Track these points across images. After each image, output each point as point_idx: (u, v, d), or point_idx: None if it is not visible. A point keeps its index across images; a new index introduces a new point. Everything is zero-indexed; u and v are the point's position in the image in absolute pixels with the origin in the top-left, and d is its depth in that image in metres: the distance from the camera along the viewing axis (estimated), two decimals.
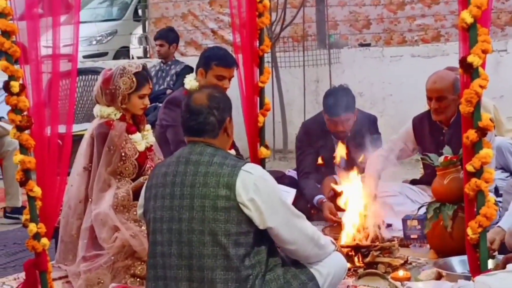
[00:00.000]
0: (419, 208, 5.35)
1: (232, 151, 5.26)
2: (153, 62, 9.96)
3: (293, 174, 6.50)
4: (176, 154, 3.95)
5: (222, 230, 3.68)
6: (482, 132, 3.66)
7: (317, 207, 6.05)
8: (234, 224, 3.69)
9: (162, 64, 9.28)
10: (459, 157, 5.07)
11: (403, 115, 8.42)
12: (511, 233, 4.78)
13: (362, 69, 9.01)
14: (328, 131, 6.25)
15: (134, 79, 5.13)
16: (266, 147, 6.41)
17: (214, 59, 5.84)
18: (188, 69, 9.11)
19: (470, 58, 3.61)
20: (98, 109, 5.21)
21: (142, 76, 5.19)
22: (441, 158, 5.17)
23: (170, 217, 3.79)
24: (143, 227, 4.77)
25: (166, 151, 5.71)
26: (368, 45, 9.65)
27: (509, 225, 4.68)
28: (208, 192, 3.72)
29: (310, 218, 5.63)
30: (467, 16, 3.60)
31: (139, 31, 15.38)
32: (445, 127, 5.81)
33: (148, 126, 5.38)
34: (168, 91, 8.88)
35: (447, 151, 5.24)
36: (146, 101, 5.23)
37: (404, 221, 5.47)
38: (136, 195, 4.98)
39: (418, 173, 6.87)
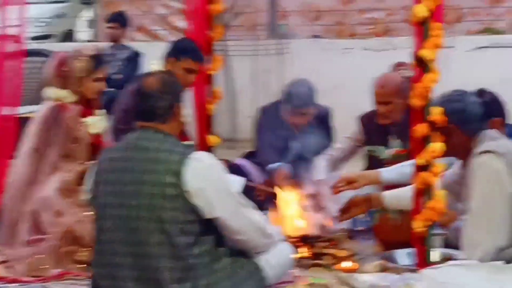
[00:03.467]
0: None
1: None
2: (100, 46, 9.82)
3: (242, 163, 6.47)
4: (125, 140, 3.91)
5: (169, 218, 3.66)
6: (433, 125, 3.68)
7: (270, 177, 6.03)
8: (181, 212, 3.67)
9: (110, 48, 9.16)
10: (407, 151, 5.10)
11: (352, 108, 8.42)
12: (455, 229, 4.84)
13: (312, 60, 9.01)
14: (283, 121, 6.23)
15: (89, 61, 5.07)
16: (215, 135, 6.40)
17: (188, 52, 5.70)
18: (135, 55, 9.06)
19: (422, 53, 3.62)
20: (51, 92, 5.12)
21: (98, 59, 5.14)
22: (391, 151, 5.19)
23: (117, 203, 3.76)
24: (88, 213, 4.70)
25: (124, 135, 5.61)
26: (319, 36, 9.67)
27: (390, 177, 4.77)
28: (156, 179, 3.69)
29: (259, 206, 5.65)
30: (421, 10, 3.61)
31: (86, 14, 15.23)
32: (392, 126, 5.80)
33: (102, 111, 5.31)
34: (116, 76, 8.78)
35: (395, 144, 5.27)
36: (101, 84, 5.17)
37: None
38: (82, 179, 4.93)
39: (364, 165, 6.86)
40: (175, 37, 10.56)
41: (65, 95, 5.07)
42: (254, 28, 9.51)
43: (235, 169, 6.19)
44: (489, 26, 9.00)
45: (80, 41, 14.92)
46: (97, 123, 5.18)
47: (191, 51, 5.73)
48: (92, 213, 4.03)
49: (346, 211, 4.85)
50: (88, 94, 5.13)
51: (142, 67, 9.06)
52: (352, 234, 5.41)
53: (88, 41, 13.96)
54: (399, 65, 6.77)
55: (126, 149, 3.83)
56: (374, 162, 5.64)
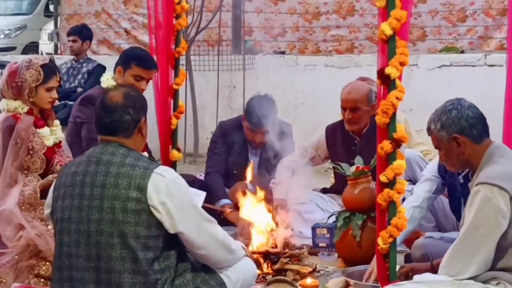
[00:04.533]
0: (329, 217, 5.38)
1: (145, 153, 5.17)
2: (64, 59, 9.77)
3: (202, 178, 6.45)
4: (87, 153, 3.86)
5: (131, 233, 3.62)
6: (397, 143, 3.70)
7: (220, 209, 5.99)
8: (144, 227, 3.63)
9: (73, 62, 9.11)
10: (371, 167, 5.13)
11: (315, 123, 8.50)
12: (416, 246, 4.85)
13: (276, 76, 9.03)
14: (244, 136, 6.23)
15: (40, 71, 5.02)
16: (178, 149, 6.36)
17: (135, 59, 5.75)
18: (100, 68, 8.99)
19: (388, 70, 3.64)
20: (4, 103, 5.07)
21: (49, 69, 5.08)
22: (353, 168, 5.22)
23: (78, 218, 3.71)
24: (49, 226, 4.66)
25: (78, 149, 5.58)
26: (283, 53, 9.69)
27: (401, 239, 4.74)
28: (118, 193, 3.65)
29: (220, 222, 5.63)
30: (386, 28, 3.63)
31: (49, 26, 15.08)
32: (357, 137, 5.86)
33: (57, 122, 5.25)
34: (79, 89, 8.73)
35: (358, 161, 5.29)
36: (54, 94, 5.11)
37: (313, 229, 5.48)
38: (43, 193, 4.87)
39: (328, 182, 6.91)
40: None
41: (18, 105, 5.01)
42: (218, 43, 9.51)
43: (198, 184, 6.18)
44: (450, 45, 9.08)
45: (43, 53, 14.81)
46: (53, 134, 5.13)
47: (139, 58, 5.78)
48: (52, 227, 3.99)
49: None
50: (41, 104, 5.08)
51: None
52: (314, 250, 5.42)
53: (51, 53, 13.86)
54: (361, 80, 6.82)
55: (88, 163, 3.78)
56: (340, 177, 5.67)
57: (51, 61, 5.15)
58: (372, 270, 4.35)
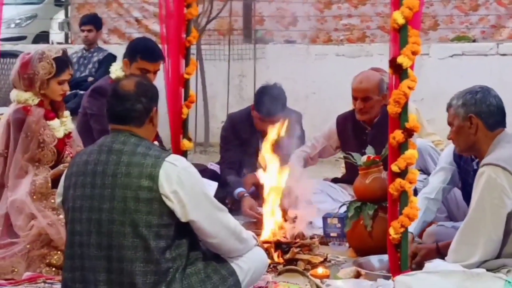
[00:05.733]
0: (340, 207, 5.37)
1: (156, 143, 5.18)
2: (75, 48, 9.77)
3: (215, 167, 6.45)
4: (98, 143, 3.87)
5: (143, 222, 3.62)
6: (409, 133, 3.69)
7: (237, 200, 6.02)
8: (155, 216, 3.64)
9: (84, 51, 9.12)
10: (382, 157, 5.12)
11: (325, 113, 8.48)
12: (427, 234, 4.85)
13: (287, 65, 9.01)
14: (254, 126, 6.22)
15: (53, 64, 5.01)
16: (189, 139, 6.36)
17: (140, 52, 5.76)
18: (110, 57, 9.00)
19: (400, 59, 3.62)
20: (15, 94, 5.07)
21: (62, 61, 5.07)
22: (364, 158, 5.20)
23: (90, 207, 3.71)
24: (61, 216, 4.67)
25: (88, 139, 5.58)
26: (294, 42, 9.67)
27: (418, 231, 4.75)
28: (130, 182, 3.65)
29: (230, 211, 5.64)
30: (399, 17, 3.61)
31: (60, 16, 15.10)
32: (368, 127, 5.85)
33: (67, 113, 5.25)
34: (90, 79, 8.74)
35: (369, 151, 5.27)
36: (66, 87, 5.11)
37: (324, 219, 5.47)
38: (54, 182, 4.89)
39: (339, 171, 6.90)
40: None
41: (29, 97, 5.01)
42: (229, 33, 9.49)
43: (209, 173, 6.18)
44: (463, 34, 9.04)
45: (54, 43, 14.82)
46: (62, 126, 5.13)
47: (144, 51, 5.79)
48: (63, 216, 4.00)
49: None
50: (53, 97, 5.08)
51: None
52: (324, 240, 5.41)
53: (61, 43, 13.86)
54: (373, 70, 6.79)
55: (99, 152, 3.78)
56: (351, 167, 5.66)
57: (64, 53, 5.14)
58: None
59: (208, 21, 9.05)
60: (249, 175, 6.17)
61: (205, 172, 6.12)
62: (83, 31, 9.07)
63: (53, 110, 5.13)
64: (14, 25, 14.94)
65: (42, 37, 15.63)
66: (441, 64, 8.54)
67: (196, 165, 6.23)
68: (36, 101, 5.03)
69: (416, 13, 3.62)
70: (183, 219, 3.67)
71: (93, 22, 9.07)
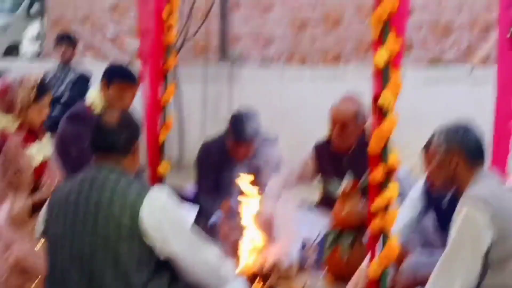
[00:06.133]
0: (318, 236, 5.40)
1: None
2: (49, 64, 9.72)
3: (192, 189, 6.47)
4: (81, 174, 3.90)
5: (124, 257, 3.66)
6: (389, 172, 3.72)
7: (212, 227, 6.02)
8: (137, 252, 3.68)
9: (58, 70, 9.06)
10: (360, 186, 5.17)
11: (301, 136, 8.50)
12: (407, 266, 4.90)
13: (263, 87, 9.05)
14: (228, 153, 6.24)
15: (33, 89, 5.01)
16: (166, 163, 6.38)
17: (118, 74, 5.82)
18: (84, 77, 8.99)
19: (382, 99, 3.66)
20: None
21: (42, 87, 5.08)
22: (342, 186, 5.23)
23: (71, 239, 3.75)
24: (39, 245, 4.65)
25: (65, 164, 5.60)
26: (270, 64, 9.70)
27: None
28: (111, 218, 3.69)
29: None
30: (381, 58, 3.65)
31: (33, 28, 15.04)
32: (346, 154, 5.88)
33: (46, 136, 5.25)
34: (64, 97, 8.70)
35: (348, 179, 5.31)
36: (45, 112, 5.10)
37: (302, 246, 5.50)
38: (33, 210, 4.88)
39: (315, 192, 6.89)
40: (125, 57, 10.56)
41: (8, 122, 5.00)
42: (205, 52, 9.53)
43: (186, 198, 6.20)
44: (437, 57, 9.11)
45: (25, 55, 14.76)
46: (41, 151, 5.12)
47: (122, 73, 5.83)
48: (43, 246, 4.00)
49: None
50: (32, 122, 5.08)
51: (89, 88, 8.98)
52: (302, 267, 5.43)
53: (34, 55, 13.82)
54: (348, 96, 6.82)
55: (82, 184, 3.81)
56: (328, 196, 5.70)
57: (44, 79, 5.15)
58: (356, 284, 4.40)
59: (184, 41, 9.07)
60: (225, 202, 6.19)
61: (182, 195, 6.13)
62: (58, 49, 9.02)
63: (32, 134, 5.11)
64: None
65: (14, 49, 15.57)
66: (415, 88, 8.62)
67: (174, 188, 6.32)
68: (16, 125, 5.02)
69: (398, 53, 3.66)
70: (163, 255, 3.71)
71: (68, 40, 9.04)
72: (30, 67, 10.56)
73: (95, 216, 3.69)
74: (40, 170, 5.06)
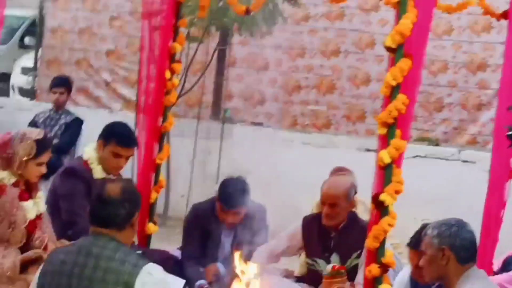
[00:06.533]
0: None
1: None
2: (42, 106, 9.76)
3: (178, 254, 6.47)
4: (77, 244, 3.92)
5: None
6: (384, 268, 3.79)
7: None
8: None
9: (51, 112, 9.07)
10: (347, 268, 5.21)
11: (287, 200, 8.58)
12: None
13: (253, 147, 9.11)
14: (217, 217, 6.28)
15: (34, 146, 5.05)
16: (154, 223, 6.42)
17: (115, 136, 5.84)
18: (77, 122, 8.98)
19: (382, 196, 3.74)
20: None
21: (42, 144, 5.12)
22: (329, 267, 5.27)
23: None
24: None
25: (56, 219, 5.62)
26: (261, 124, 9.79)
27: None
28: (107, 285, 3.69)
29: None
30: (385, 156, 3.74)
31: (24, 59, 15.02)
32: (334, 232, 5.91)
33: (40, 193, 5.27)
34: (55, 141, 8.69)
35: (335, 259, 5.35)
36: (43, 169, 5.14)
37: None
38: (23, 267, 4.89)
39: (297, 263, 6.91)
40: (117, 103, 10.64)
41: (5, 176, 5.02)
42: (199, 108, 9.62)
43: (172, 261, 6.21)
44: (425, 135, 9.25)
45: (14, 87, 14.71)
46: (35, 206, 5.14)
47: (119, 136, 5.86)
48: None
49: None
50: (29, 177, 5.11)
51: (81, 134, 9.02)
52: None
53: (22, 88, 13.78)
54: (337, 170, 6.91)
55: (78, 253, 3.82)
56: (314, 274, 5.73)
57: (45, 135, 5.18)
58: None
59: (179, 95, 9.14)
60: (211, 265, 6.21)
61: (168, 260, 6.13)
62: (54, 92, 9.00)
63: (27, 190, 5.14)
64: None
65: (2, 78, 15.54)
66: (403, 164, 8.72)
67: (160, 253, 6.34)
68: (12, 180, 5.04)
69: (400, 154, 3.75)
70: None
71: (66, 85, 9.03)
72: (22, 105, 10.60)
73: (89, 285, 3.71)
74: (32, 226, 5.07)
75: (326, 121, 9.91)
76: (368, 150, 8.89)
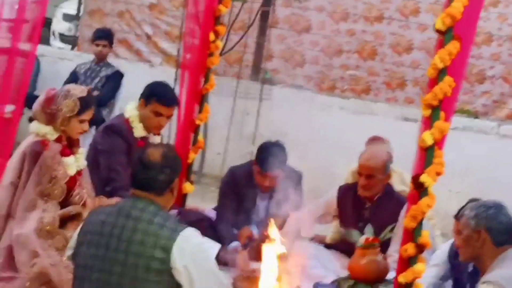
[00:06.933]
0: (333, 282, 5.47)
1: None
2: (83, 57, 9.81)
3: (213, 214, 6.55)
4: (117, 205, 3.99)
5: None
6: (420, 248, 3.81)
7: (230, 254, 6.11)
8: (165, 285, 3.75)
9: (93, 64, 9.14)
10: (381, 240, 5.25)
11: (323, 164, 8.62)
12: None
13: (291, 110, 9.11)
14: (253, 181, 6.33)
15: (77, 103, 5.10)
16: (191, 182, 6.48)
17: (156, 95, 5.89)
18: (118, 75, 9.07)
19: (423, 178, 3.74)
20: (35, 126, 5.12)
21: (86, 101, 5.16)
22: (363, 238, 5.30)
23: (100, 268, 3.82)
24: (64, 258, 4.72)
25: (96, 175, 5.70)
26: (300, 87, 9.77)
27: None
28: (144, 251, 3.77)
29: (222, 264, 5.75)
30: (428, 138, 3.74)
31: (65, 5, 15.02)
32: (369, 202, 5.95)
33: (82, 150, 5.33)
34: (95, 93, 8.76)
35: (369, 230, 5.38)
36: (86, 126, 5.20)
37: (315, 284, 5.58)
38: (61, 223, 4.98)
39: (329, 230, 6.95)
40: (157, 57, 10.65)
41: (49, 131, 5.09)
42: (238, 66, 9.62)
43: (207, 223, 6.28)
44: (465, 107, 9.16)
45: (55, 33, 14.74)
46: (75, 163, 5.21)
47: (160, 95, 5.90)
48: (71, 268, 4.10)
49: None
50: (71, 134, 5.17)
51: (122, 87, 9.09)
52: None
53: (63, 34, 13.81)
54: (374, 139, 6.91)
55: (117, 215, 3.89)
56: (345, 243, 5.78)
57: (89, 93, 5.23)
58: None
59: (221, 53, 9.14)
60: (245, 228, 6.28)
61: (203, 221, 6.21)
62: (97, 45, 9.07)
63: (69, 146, 5.21)
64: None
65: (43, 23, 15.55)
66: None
67: (195, 213, 6.42)
68: (55, 136, 5.10)
69: (443, 136, 3.74)
70: None
71: (108, 38, 9.10)
72: (63, 54, 10.65)
73: (127, 247, 3.77)
74: (72, 182, 5.15)
75: (365, 87, 9.85)
76: (406, 119, 8.86)
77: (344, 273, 5.50)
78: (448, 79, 3.62)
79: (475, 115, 9.16)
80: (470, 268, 4.72)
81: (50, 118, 5.09)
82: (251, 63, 10.00)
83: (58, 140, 5.12)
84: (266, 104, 9.41)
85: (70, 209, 5.03)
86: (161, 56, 10.66)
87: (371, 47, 9.85)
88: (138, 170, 3.95)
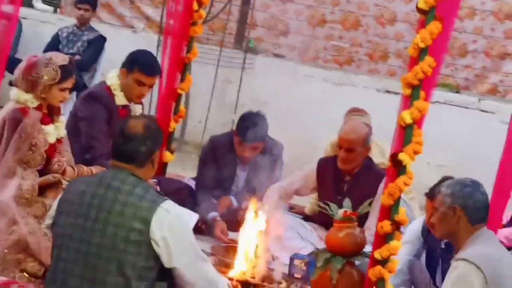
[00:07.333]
0: (309, 254, 5.51)
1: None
2: (65, 21, 9.74)
3: (192, 183, 6.57)
4: (98, 175, 4.01)
5: (129, 262, 3.76)
6: (397, 225, 3.85)
7: (209, 223, 6.15)
8: (142, 258, 3.78)
9: (75, 28, 9.09)
10: (358, 214, 5.28)
11: (303, 134, 8.64)
12: None
13: (273, 80, 9.10)
14: (234, 151, 6.35)
15: (58, 71, 5.09)
16: (171, 151, 6.49)
17: (139, 64, 5.86)
18: (100, 39, 9.03)
19: (401, 156, 3.77)
20: (15, 93, 5.11)
21: (67, 70, 5.15)
22: (341, 212, 5.33)
23: (79, 237, 3.84)
24: (42, 225, 4.75)
25: (76, 142, 5.70)
26: (283, 57, 9.76)
27: None
28: (123, 222, 3.78)
29: (200, 233, 5.79)
30: (407, 117, 3.76)
31: None
32: (348, 176, 5.99)
33: (62, 118, 5.33)
34: (77, 57, 8.72)
35: (347, 204, 5.40)
36: (67, 94, 5.19)
37: (291, 259, 5.62)
38: (41, 190, 4.98)
39: (306, 201, 6.99)
40: (140, 23, 10.57)
41: (29, 99, 5.08)
42: (223, 36, 9.58)
43: (186, 191, 6.31)
44: (446, 81, 9.19)
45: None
46: (55, 131, 5.21)
47: (143, 64, 5.87)
48: (49, 232, 4.11)
49: None
50: (52, 102, 5.16)
51: (104, 51, 9.04)
52: (287, 279, 5.55)
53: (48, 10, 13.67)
54: (353, 110, 6.94)
55: (98, 185, 3.89)
56: (324, 215, 5.81)
57: (71, 62, 5.21)
58: None
59: (204, 20, 9.09)
60: (224, 198, 6.32)
61: (182, 190, 6.24)
62: (79, 9, 9.02)
63: (49, 114, 5.20)
64: None
65: None
66: None
67: (175, 181, 6.44)
68: (35, 104, 5.09)
69: (422, 116, 3.77)
70: (167, 265, 3.83)
71: (90, 2, 9.05)
72: (45, 18, 10.54)
73: (107, 217, 3.79)
74: (51, 150, 5.14)
75: (348, 58, 9.83)
76: (388, 91, 8.89)
77: (322, 245, 5.54)
78: (428, 59, 3.64)
79: (457, 89, 9.19)
80: (442, 245, 4.80)
81: (31, 85, 5.07)
82: (235, 31, 9.95)
83: (38, 108, 5.11)
84: (249, 73, 9.40)
85: (49, 177, 5.02)
86: (144, 21, 10.58)
87: (355, 18, 9.82)
88: (119, 142, 3.95)
